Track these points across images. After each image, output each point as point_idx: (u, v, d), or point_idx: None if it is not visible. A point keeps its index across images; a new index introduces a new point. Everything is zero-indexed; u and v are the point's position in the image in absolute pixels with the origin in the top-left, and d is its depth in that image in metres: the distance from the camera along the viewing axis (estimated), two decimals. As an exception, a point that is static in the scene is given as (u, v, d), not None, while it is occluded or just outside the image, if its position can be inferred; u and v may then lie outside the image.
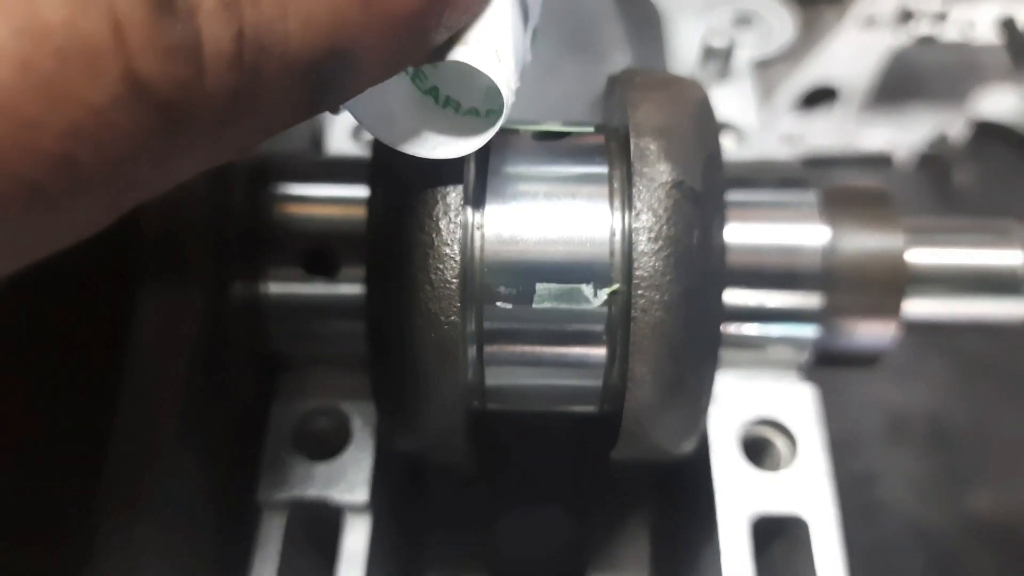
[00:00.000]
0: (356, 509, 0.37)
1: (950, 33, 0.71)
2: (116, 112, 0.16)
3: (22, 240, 0.16)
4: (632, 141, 0.29)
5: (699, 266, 0.29)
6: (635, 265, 0.28)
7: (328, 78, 0.20)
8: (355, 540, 0.36)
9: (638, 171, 0.29)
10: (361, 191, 0.36)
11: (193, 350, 0.33)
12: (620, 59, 0.61)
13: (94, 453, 0.32)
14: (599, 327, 0.30)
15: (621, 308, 0.30)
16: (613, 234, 0.30)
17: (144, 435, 0.31)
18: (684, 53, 0.56)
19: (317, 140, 0.46)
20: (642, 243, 0.28)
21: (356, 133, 0.47)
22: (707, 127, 0.32)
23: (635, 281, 0.28)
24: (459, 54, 0.24)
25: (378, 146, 0.31)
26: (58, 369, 0.37)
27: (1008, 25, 0.70)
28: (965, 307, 0.40)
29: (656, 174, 0.29)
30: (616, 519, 0.46)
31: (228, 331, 0.35)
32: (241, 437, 0.37)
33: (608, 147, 0.32)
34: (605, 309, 0.30)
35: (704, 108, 0.33)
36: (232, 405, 0.37)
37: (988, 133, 0.82)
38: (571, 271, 0.30)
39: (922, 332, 0.39)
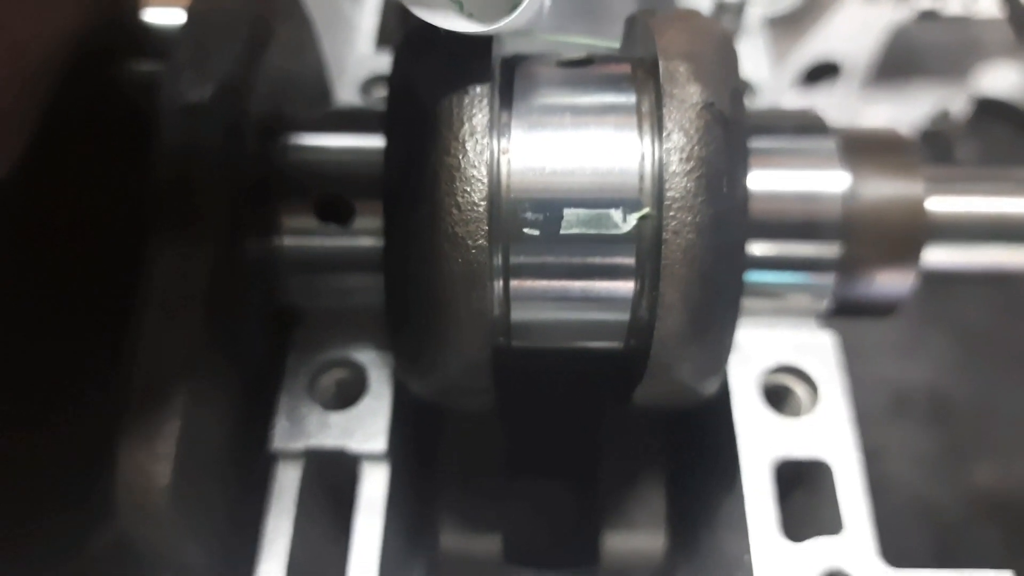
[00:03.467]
0: (374, 458, 0.36)
1: (952, 7, 0.71)
2: None
3: None
4: (661, 63, 0.29)
5: (728, 191, 0.29)
6: (666, 186, 0.28)
7: None
8: (373, 488, 0.36)
9: (668, 92, 0.28)
10: (374, 140, 0.35)
11: (206, 303, 0.32)
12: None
13: (106, 403, 0.31)
14: (628, 257, 0.30)
15: (651, 236, 0.29)
16: (643, 158, 0.30)
17: (158, 391, 0.30)
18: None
19: (326, 95, 0.45)
20: (673, 163, 0.28)
21: (365, 87, 0.47)
22: (730, 59, 0.32)
23: (666, 202, 0.28)
24: None
25: (398, 68, 0.30)
26: (73, 320, 0.37)
27: (1011, -2, 0.70)
28: (984, 256, 0.39)
29: (686, 95, 0.28)
30: (629, 479, 0.45)
31: (241, 283, 0.35)
32: (256, 394, 0.37)
33: (635, 74, 0.32)
34: (634, 237, 0.29)
35: (727, 41, 0.32)
36: (246, 359, 0.36)
37: (989, 110, 0.82)
38: (600, 196, 0.29)
39: (924, 307, 0.39)
